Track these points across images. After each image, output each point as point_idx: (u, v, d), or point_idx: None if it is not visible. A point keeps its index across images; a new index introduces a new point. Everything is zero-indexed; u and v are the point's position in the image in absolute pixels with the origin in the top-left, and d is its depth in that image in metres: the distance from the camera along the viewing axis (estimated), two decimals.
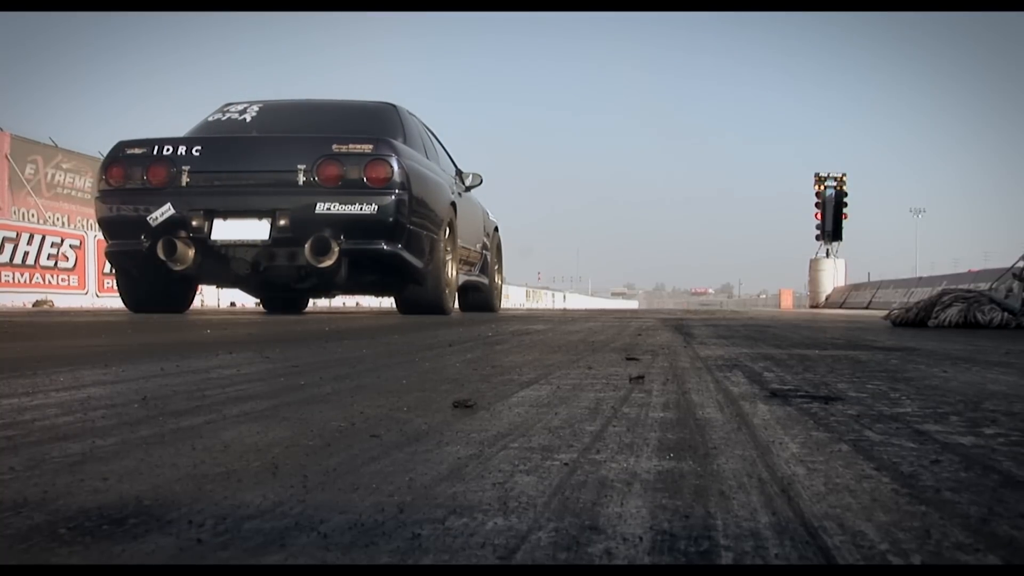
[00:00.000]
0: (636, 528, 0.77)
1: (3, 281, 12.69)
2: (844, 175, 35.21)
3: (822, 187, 34.94)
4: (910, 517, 0.81)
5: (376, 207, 6.22)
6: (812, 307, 33.15)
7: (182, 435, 1.25)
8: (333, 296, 10.33)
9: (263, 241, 6.26)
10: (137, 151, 6.30)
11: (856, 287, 33.27)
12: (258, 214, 6.22)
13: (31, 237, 13.43)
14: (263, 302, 9.62)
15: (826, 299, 33.97)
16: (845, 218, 34.91)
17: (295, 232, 6.22)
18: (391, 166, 6.24)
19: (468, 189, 9.04)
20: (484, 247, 9.82)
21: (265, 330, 5.19)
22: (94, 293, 14.63)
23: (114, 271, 7.18)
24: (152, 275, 6.57)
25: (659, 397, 1.75)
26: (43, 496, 0.88)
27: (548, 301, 46.12)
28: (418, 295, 7.16)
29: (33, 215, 17.94)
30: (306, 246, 6.18)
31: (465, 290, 8.97)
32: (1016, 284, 6.77)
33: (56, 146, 19.31)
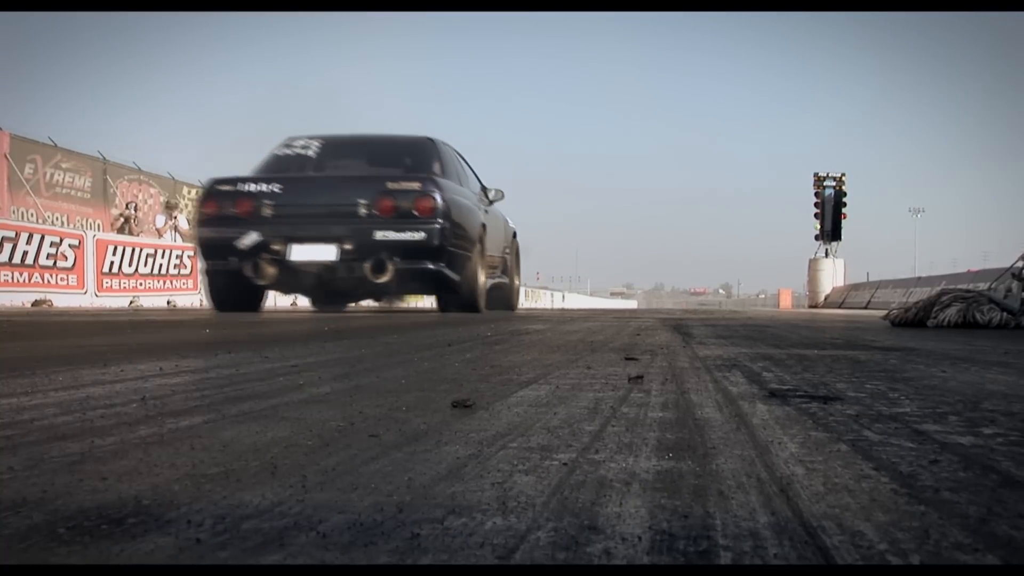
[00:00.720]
0: (635, 528, 0.78)
1: (2, 281, 12.69)
2: (843, 175, 35.25)
3: (821, 187, 34.98)
4: (909, 517, 0.81)
5: (424, 234, 7.62)
6: (811, 307, 33.16)
7: (181, 435, 1.26)
8: (381, 300, 11.49)
9: (331, 261, 7.68)
10: (227, 188, 7.77)
11: (855, 287, 33.28)
12: (327, 240, 7.65)
13: (30, 237, 13.41)
14: (313, 302, 10.82)
15: (825, 299, 33.98)
16: (844, 218, 34.93)
17: (357, 254, 7.64)
18: (435, 200, 7.64)
19: (491, 203, 10.29)
20: (505, 252, 11.17)
21: (264, 330, 5.19)
22: (93, 293, 14.63)
23: (207, 282, 8.40)
24: (239, 287, 7.99)
25: (658, 397, 1.75)
26: (42, 496, 0.88)
27: (547, 301, 46.12)
28: (456, 300, 8.70)
29: (32, 215, 17.93)
30: (366, 265, 7.61)
31: (489, 289, 9.97)
32: (1015, 284, 6.77)
33: (55, 145, 19.28)
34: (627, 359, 2.72)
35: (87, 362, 2.43)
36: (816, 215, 34.94)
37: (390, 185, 7.73)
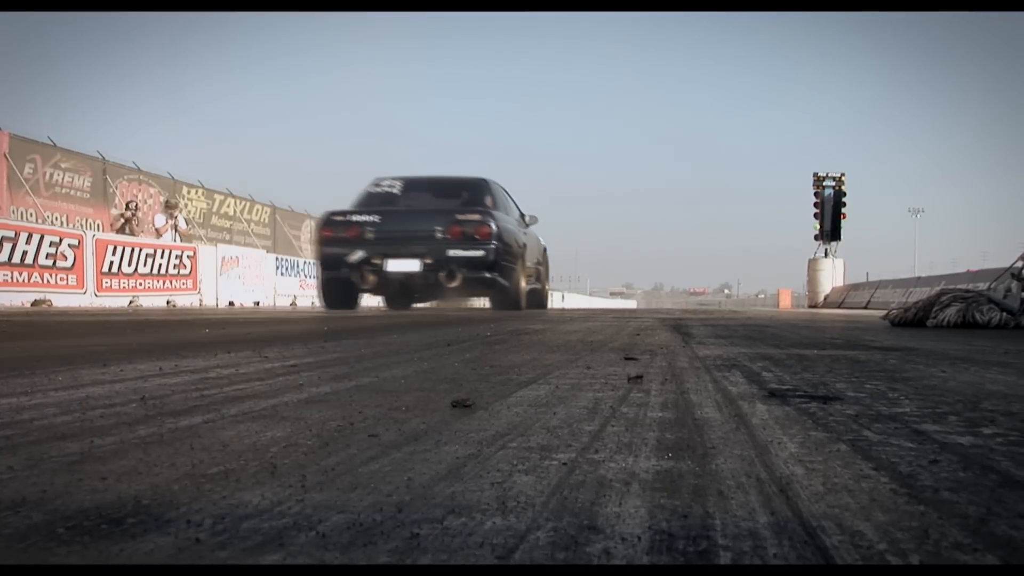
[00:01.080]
0: (635, 528, 0.78)
1: (1, 280, 12.68)
2: (843, 175, 35.18)
3: (821, 187, 34.92)
4: (908, 517, 0.81)
5: (483, 252, 10.45)
6: (811, 307, 33.11)
7: (180, 435, 1.26)
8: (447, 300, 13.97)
9: (416, 272, 10.47)
10: (340, 218, 10.66)
11: (854, 287, 33.23)
12: (414, 256, 10.42)
13: (29, 236, 13.39)
14: (391, 303, 13.01)
15: (824, 299, 33.93)
16: (844, 218, 34.86)
17: (435, 267, 10.43)
18: (490, 227, 10.48)
19: (528, 226, 13.22)
20: (538, 263, 14.12)
21: (264, 329, 5.19)
22: (92, 292, 14.62)
23: (323, 287, 11.11)
24: (345, 291, 10.92)
25: (657, 397, 1.75)
26: (41, 495, 0.88)
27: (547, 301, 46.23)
28: (504, 300, 11.37)
29: (32, 214, 17.91)
30: (441, 275, 10.42)
31: (528, 292, 12.61)
32: (1015, 284, 6.77)
33: (55, 145, 19.25)
34: (626, 359, 2.72)
35: (86, 362, 2.43)
36: (816, 215, 34.86)
37: (458, 216, 10.63)
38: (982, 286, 8.41)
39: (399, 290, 11.36)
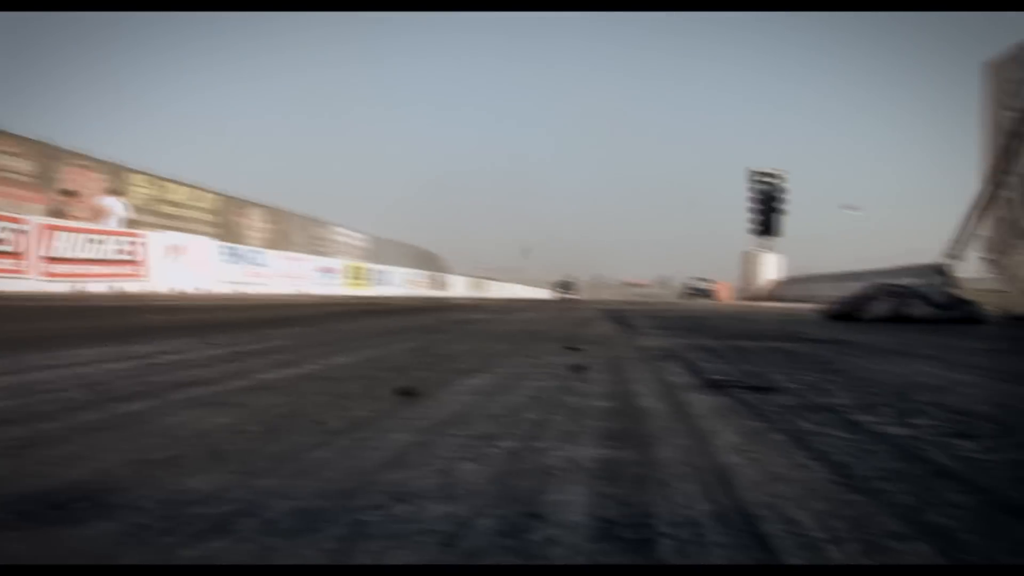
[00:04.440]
0: (577, 515, 0.78)
1: None
2: (780, 171, 35.84)
3: (758, 182, 35.47)
4: (844, 506, 0.83)
5: None
6: (747, 300, 33.62)
7: (126, 420, 1.23)
8: None
9: None
10: None
11: (790, 281, 33.83)
12: None
13: None
14: None
15: (761, 292, 34.48)
16: (780, 213, 35.47)
17: None
18: None
19: None
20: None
21: (210, 316, 5.11)
22: (36, 278, 14.24)
23: None
24: None
25: (599, 387, 1.77)
26: None
27: (489, 291, 46.20)
28: None
29: None
30: None
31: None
32: (942, 280, 6.98)
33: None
34: (568, 349, 2.74)
35: (31, 347, 2.37)
36: (753, 209, 35.42)
37: None
38: (912, 281, 8.62)
39: None
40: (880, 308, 6.55)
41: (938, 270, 7.04)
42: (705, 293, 44.14)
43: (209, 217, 26.52)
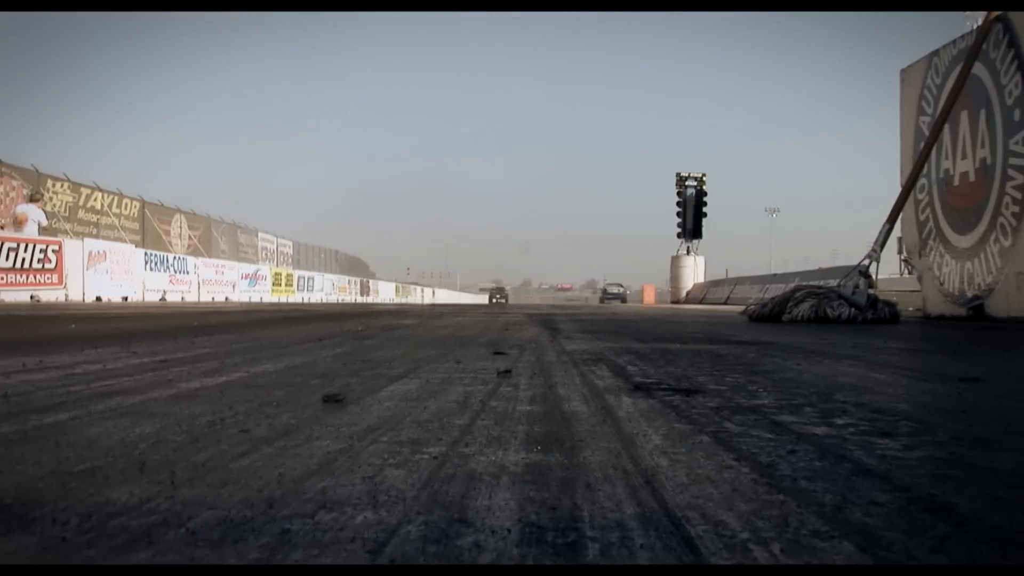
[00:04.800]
0: (505, 520, 0.77)
1: None
2: (704, 175, 36.41)
3: (683, 187, 36.00)
4: (769, 506, 0.83)
5: None
6: (673, 303, 34.10)
7: (45, 432, 1.19)
8: None
9: None
10: None
11: (715, 283, 34.44)
12: None
13: None
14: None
15: (687, 295, 35.00)
16: (704, 216, 36.06)
17: None
18: None
19: None
20: None
21: (133, 324, 5.00)
22: None
23: None
24: None
25: (526, 391, 1.76)
26: None
27: (417, 296, 46.15)
28: None
29: None
30: None
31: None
32: (862, 281, 7.16)
33: None
34: (496, 353, 2.74)
35: None
36: (678, 213, 35.92)
37: None
38: (833, 283, 8.84)
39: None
40: (802, 309, 6.70)
41: (861, 271, 7.22)
42: (619, 297, 46.64)
43: (132, 224, 25.92)
